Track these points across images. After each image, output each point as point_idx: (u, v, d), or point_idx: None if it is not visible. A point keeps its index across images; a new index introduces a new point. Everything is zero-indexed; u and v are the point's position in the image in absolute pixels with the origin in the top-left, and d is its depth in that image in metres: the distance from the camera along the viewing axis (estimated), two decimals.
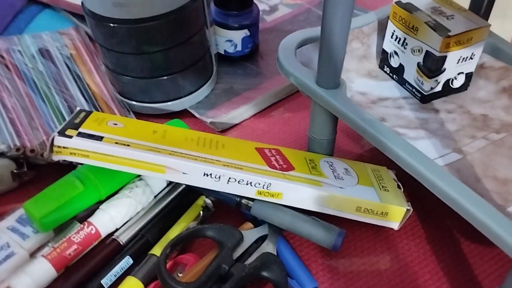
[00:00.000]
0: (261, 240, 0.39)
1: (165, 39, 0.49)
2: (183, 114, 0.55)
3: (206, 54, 0.55)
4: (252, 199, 0.41)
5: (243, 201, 0.41)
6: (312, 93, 0.42)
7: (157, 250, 0.40)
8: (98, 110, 0.53)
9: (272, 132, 0.54)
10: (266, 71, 0.60)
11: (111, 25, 0.48)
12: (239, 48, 0.60)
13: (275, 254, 0.39)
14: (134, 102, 0.54)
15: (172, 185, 0.46)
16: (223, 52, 0.61)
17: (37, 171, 0.48)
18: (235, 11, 0.58)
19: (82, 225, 0.41)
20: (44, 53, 0.59)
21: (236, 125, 0.55)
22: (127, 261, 0.40)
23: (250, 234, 0.39)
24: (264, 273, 0.37)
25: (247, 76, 0.59)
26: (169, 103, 0.54)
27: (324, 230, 0.39)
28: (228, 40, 0.59)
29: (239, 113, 0.54)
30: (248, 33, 0.59)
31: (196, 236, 0.38)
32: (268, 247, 0.39)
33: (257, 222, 0.42)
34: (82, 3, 0.50)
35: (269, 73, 0.60)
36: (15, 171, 0.45)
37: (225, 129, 0.54)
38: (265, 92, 0.56)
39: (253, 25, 0.60)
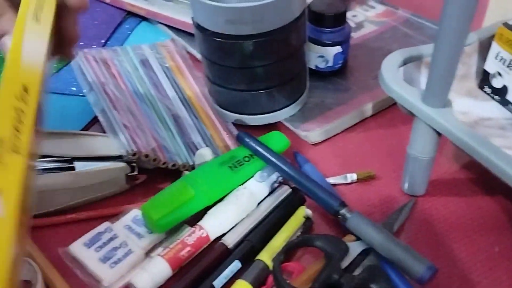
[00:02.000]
0: (365, 253, 0.40)
1: (268, 55, 0.52)
2: (276, 125, 0.57)
3: (303, 70, 0.57)
4: (351, 211, 0.43)
5: (342, 211, 0.43)
6: (418, 111, 0.43)
7: (263, 256, 0.42)
8: (196, 118, 0.56)
9: (365, 147, 0.55)
10: (356, 87, 0.61)
11: (220, 40, 0.50)
12: (330, 63, 0.62)
13: (380, 267, 0.39)
14: (230, 113, 0.57)
15: (273, 194, 0.48)
16: (313, 67, 0.62)
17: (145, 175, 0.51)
18: (329, 27, 0.60)
19: (193, 228, 0.43)
20: (145, 63, 0.63)
21: (328, 139, 0.56)
22: (236, 265, 0.42)
23: (354, 246, 0.40)
24: (373, 285, 0.38)
25: (338, 91, 0.61)
26: (263, 115, 0.57)
27: (414, 260, 0.38)
28: (320, 55, 0.61)
29: (332, 127, 0.56)
30: (340, 50, 0.61)
31: (305, 244, 0.40)
32: (372, 260, 0.40)
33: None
34: (192, 18, 0.53)
35: (359, 89, 0.61)
36: (129, 174, 0.48)
37: (318, 143, 0.55)
38: (357, 107, 0.58)
39: (346, 42, 0.61)
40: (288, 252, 0.39)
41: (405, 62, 0.48)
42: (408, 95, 0.44)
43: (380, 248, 0.39)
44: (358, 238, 0.41)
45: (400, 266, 0.38)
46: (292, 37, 0.52)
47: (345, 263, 0.39)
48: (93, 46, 0.70)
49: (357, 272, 0.39)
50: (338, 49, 0.61)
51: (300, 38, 0.54)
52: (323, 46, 0.60)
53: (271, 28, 0.50)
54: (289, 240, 0.43)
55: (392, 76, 0.46)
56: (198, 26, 0.52)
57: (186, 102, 0.58)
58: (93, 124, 0.57)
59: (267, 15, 0.49)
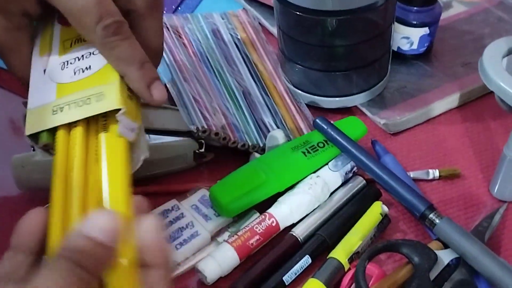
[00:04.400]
0: (453, 263, 0.37)
1: (352, 35, 0.48)
2: (352, 110, 0.53)
3: (387, 53, 0.52)
4: (441, 216, 0.39)
5: (430, 216, 0.39)
6: None
7: (338, 254, 0.39)
8: (268, 96, 0.53)
9: (448, 141, 0.50)
10: (441, 74, 0.56)
11: (301, 14, 0.47)
12: (414, 46, 0.57)
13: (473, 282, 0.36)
14: (304, 93, 0.53)
15: (346, 186, 0.44)
16: (395, 49, 0.58)
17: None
18: (418, 6, 0.55)
19: (263, 216, 0.41)
20: (216, 33, 0.59)
21: (409, 129, 0.52)
22: (306, 261, 0.39)
23: (442, 255, 0.37)
24: None
25: (421, 76, 0.56)
26: (338, 98, 0.53)
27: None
28: (405, 37, 0.56)
29: (415, 116, 0.51)
30: (428, 32, 0.56)
31: (390, 250, 0.37)
32: (463, 273, 0.36)
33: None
34: None
35: (445, 76, 0.56)
36: (197, 151, 0.46)
37: (397, 132, 0.51)
38: (443, 97, 0.53)
39: (434, 24, 0.56)
40: (372, 257, 0.36)
41: (510, 52, 0.43)
42: None
43: (474, 261, 0.35)
44: (446, 246, 0.38)
45: (495, 283, 0.34)
46: (380, 16, 0.48)
47: (433, 274, 0.36)
48: (164, 12, 0.67)
49: (447, 286, 0.35)
50: (425, 30, 0.56)
51: (388, 19, 0.49)
52: (409, 26, 0.55)
53: (359, 5, 0.45)
54: (364, 239, 0.40)
55: (495, 67, 0.41)
56: None
57: (257, 78, 0.55)
58: None
59: None
